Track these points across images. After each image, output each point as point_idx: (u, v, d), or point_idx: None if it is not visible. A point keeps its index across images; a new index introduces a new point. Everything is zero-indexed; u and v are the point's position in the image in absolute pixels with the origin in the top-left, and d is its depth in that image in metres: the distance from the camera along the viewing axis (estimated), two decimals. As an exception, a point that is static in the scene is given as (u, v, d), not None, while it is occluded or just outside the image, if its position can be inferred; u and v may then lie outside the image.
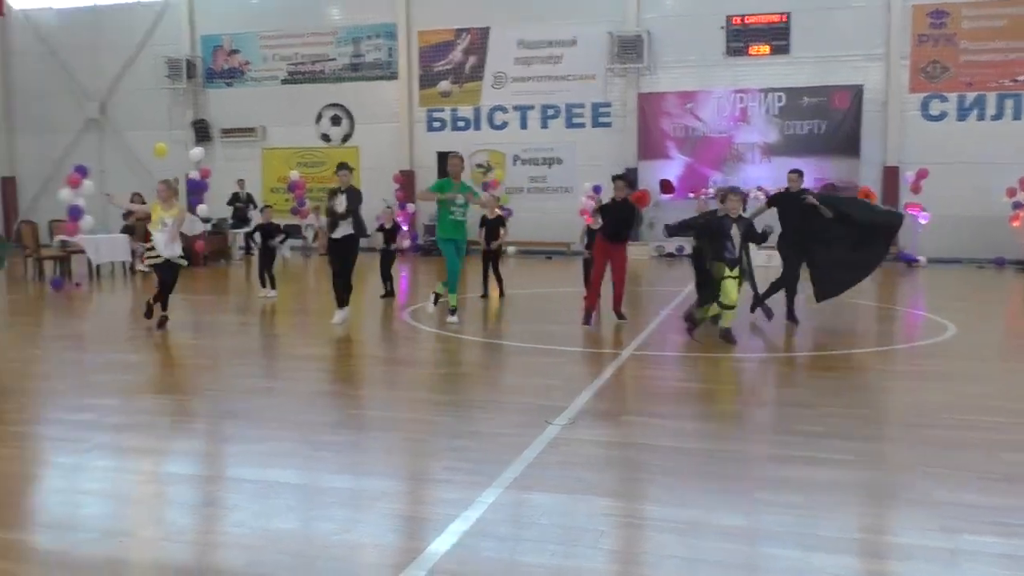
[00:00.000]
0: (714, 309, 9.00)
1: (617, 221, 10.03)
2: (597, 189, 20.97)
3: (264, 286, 12.57)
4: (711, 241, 8.99)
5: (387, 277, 12.52)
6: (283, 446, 5.07)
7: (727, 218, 8.88)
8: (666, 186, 21.27)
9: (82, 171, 15.16)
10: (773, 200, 10.64)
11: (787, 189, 10.58)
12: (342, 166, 10.40)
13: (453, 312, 10.13)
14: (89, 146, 26.28)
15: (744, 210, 9.16)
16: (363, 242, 10.61)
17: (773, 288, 10.31)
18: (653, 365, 7.86)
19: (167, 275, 9.54)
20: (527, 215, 22.67)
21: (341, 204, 9.95)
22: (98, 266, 15.60)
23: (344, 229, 10.04)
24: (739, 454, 4.97)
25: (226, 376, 7.33)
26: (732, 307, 8.74)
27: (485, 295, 12.41)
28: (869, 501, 4.23)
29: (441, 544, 3.56)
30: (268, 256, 12.70)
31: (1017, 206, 18.47)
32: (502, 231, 12.79)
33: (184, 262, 9.83)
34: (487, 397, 6.53)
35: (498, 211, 13.43)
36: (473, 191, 10.57)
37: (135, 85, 25.73)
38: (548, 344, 8.64)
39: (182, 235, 10.03)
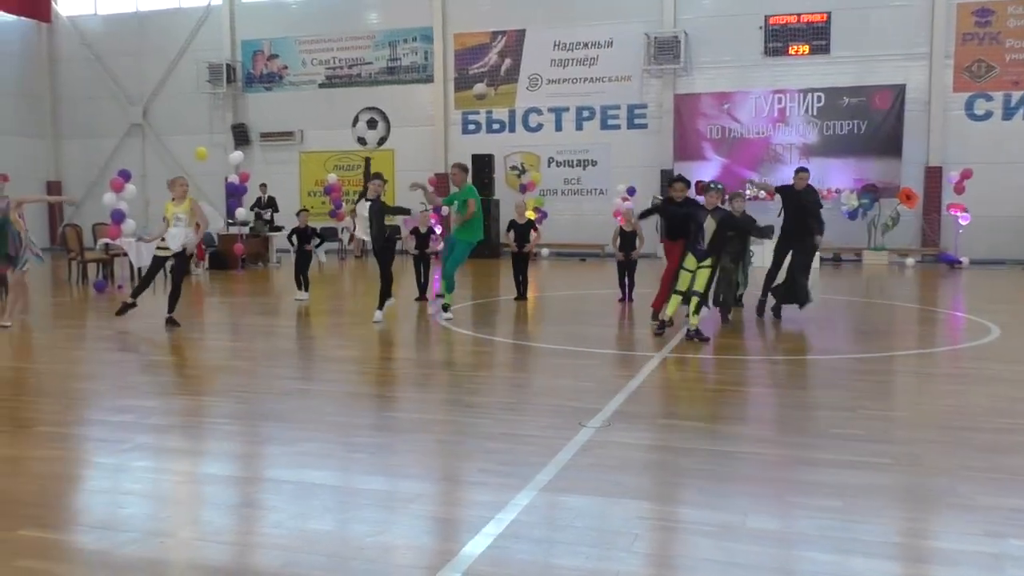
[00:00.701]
0: (673, 304, 9.03)
1: (679, 220, 9.86)
2: (631, 191, 20.91)
3: (300, 288, 12.71)
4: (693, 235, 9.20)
5: (423, 281, 12.55)
6: (319, 447, 5.11)
7: (702, 210, 8.95)
8: (702, 188, 21.12)
9: (125, 175, 15.47)
10: (779, 189, 10.78)
11: (791, 186, 10.67)
12: (376, 176, 10.51)
13: (444, 306, 10.46)
14: (132, 150, 26.78)
15: (723, 202, 9.29)
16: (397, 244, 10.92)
17: (788, 291, 10.34)
18: (688, 367, 7.81)
19: (179, 267, 9.98)
20: (561, 217, 22.68)
21: (364, 210, 10.26)
22: (139, 269, 15.85)
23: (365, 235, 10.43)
24: (775, 457, 4.92)
25: (263, 378, 7.41)
26: (699, 294, 8.86)
27: (520, 297, 12.40)
28: (909, 505, 4.16)
29: (475, 546, 3.56)
30: (304, 259, 12.83)
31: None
32: (533, 235, 12.72)
33: (188, 253, 10.19)
34: (521, 399, 6.53)
35: (529, 215, 13.40)
36: (470, 193, 10.61)
37: (177, 90, 26.18)
38: (582, 346, 8.62)
39: (216, 236, 10.40)
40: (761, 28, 21.21)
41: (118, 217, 14.97)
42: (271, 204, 20.51)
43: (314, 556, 3.51)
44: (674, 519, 4.00)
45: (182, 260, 10.00)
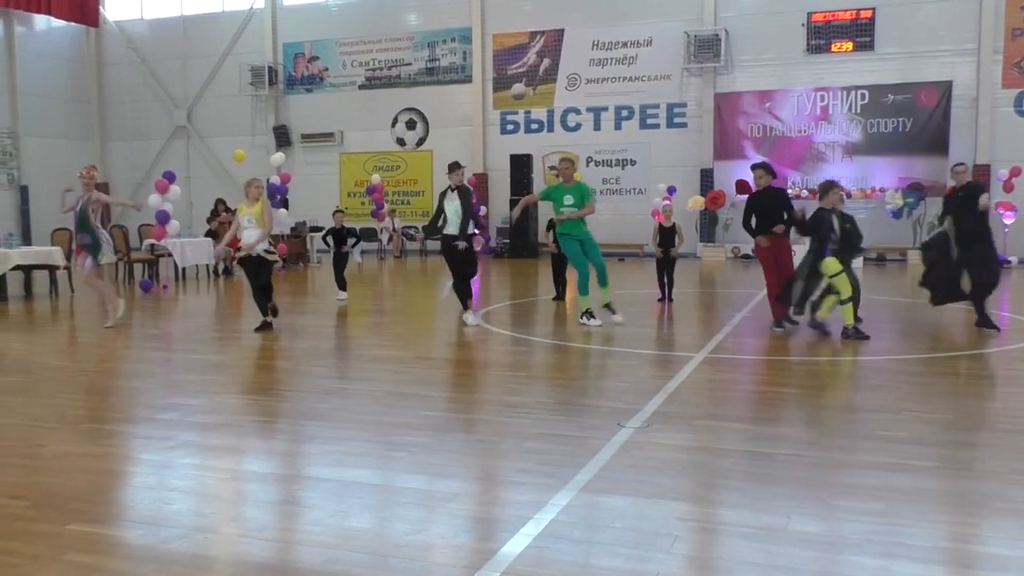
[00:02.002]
0: (829, 304, 8.85)
1: (769, 212, 9.40)
2: (672, 191, 20.78)
3: (341, 289, 12.82)
4: (819, 237, 8.86)
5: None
6: (359, 446, 5.16)
7: (827, 211, 8.79)
8: (742, 187, 20.89)
9: (170, 177, 15.75)
10: (948, 206, 9.55)
11: (953, 188, 9.57)
12: (457, 164, 10.11)
13: (586, 315, 9.76)
14: (177, 152, 27.24)
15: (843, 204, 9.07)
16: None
17: (979, 294, 9.33)
18: (728, 368, 7.73)
19: (252, 272, 9.78)
20: (600, 217, 22.48)
21: (453, 202, 9.88)
22: (184, 269, 16.13)
23: (451, 228, 9.92)
24: (817, 459, 4.85)
25: (305, 377, 7.49)
26: (850, 300, 8.70)
27: (558, 297, 12.36)
28: (957, 509, 4.08)
29: (514, 546, 3.57)
30: (341, 260, 12.93)
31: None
32: None
33: (274, 258, 10.03)
34: (559, 399, 6.52)
35: None
36: (586, 194, 10.04)
37: (220, 92, 26.59)
38: (620, 346, 8.58)
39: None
40: (803, 25, 20.96)
41: (163, 218, 15.24)
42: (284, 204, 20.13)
43: (354, 553, 3.54)
44: (714, 521, 3.97)
45: (253, 265, 9.80)
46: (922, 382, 7.16)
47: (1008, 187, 18.30)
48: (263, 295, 9.79)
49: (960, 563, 3.54)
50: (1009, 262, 18.34)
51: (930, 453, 4.89)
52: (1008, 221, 18.62)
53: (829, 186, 9.03)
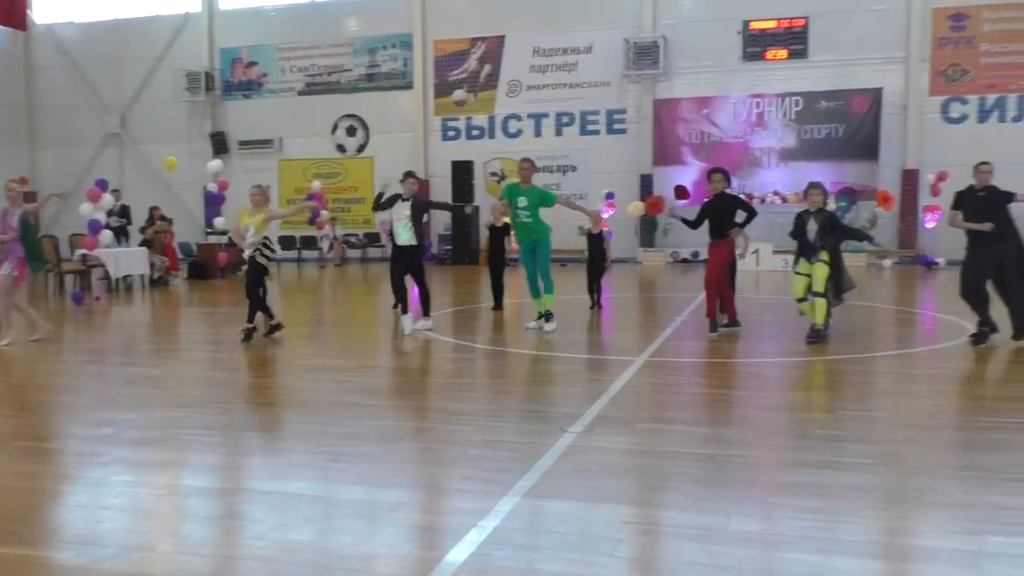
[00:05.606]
0: (820, 309, 8.88)
1: (719, 216, 9.67)
2: (610, 196, 21.00)
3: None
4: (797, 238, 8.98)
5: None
6: (300, 458, 5.09)
7: (806, 212, 8.96)
8: (681, 192, 21.15)
9: (102, 185, 15.37)
10: (958, 200, 8.90)
11: (971, 186, 8.85)
12: (410, 174, 10.08)
13: (540, 317, 9.90)
14: (110, 160, 26.58)
15: (824, 205, 9.08)
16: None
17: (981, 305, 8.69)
18: (668, 371, 7.82)
19: (251, 277, 9.61)
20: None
21: (403, 212, 9.77)
22: (117, 279, 15.74)
23: (409, 237, 9.86)
24: (755, 459, 4.94)
25: (243, 388, 7.36)
26: (800, 300, 8.96)
27: (496, 307, 12.18)
28: (890, 504, 4.19)
29: (458, 554, 3.56)
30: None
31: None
32: (506, 239, 12.42)
33: (266, 263, 9.71)
34: (502, 405, 6.53)
35: (505, 220, 13.25)
36: (545, 196, 10.23)
37: (154, 98, 26.02)
38: (562, 352, 8.62)
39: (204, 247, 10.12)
40: (739, 33, 21.35)
41: (95, 227, 14.85)
42: (124, 213, 18.66)
43: (296, 567, 3.49)
44: (657, 523, 4.01)
45: (253, 269, 9.62)
46: (857, 382, 7.34)
47: (935, 191, 18.85)
48: (254, 301, 9.57)
49: (894, 556, 3.63)
50: (937, 263, 18.91)
51: (865, 450, 5.01)
52: (930, 225, 19.18)
53: (808, 188, 9.15)
